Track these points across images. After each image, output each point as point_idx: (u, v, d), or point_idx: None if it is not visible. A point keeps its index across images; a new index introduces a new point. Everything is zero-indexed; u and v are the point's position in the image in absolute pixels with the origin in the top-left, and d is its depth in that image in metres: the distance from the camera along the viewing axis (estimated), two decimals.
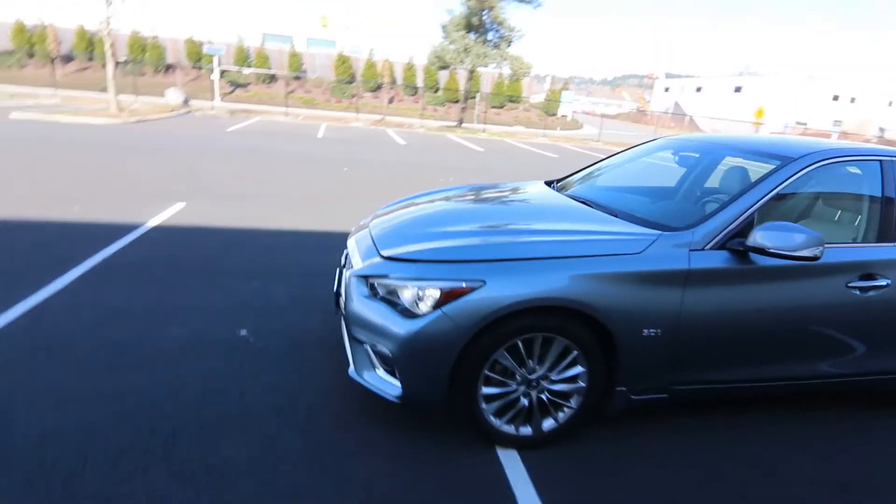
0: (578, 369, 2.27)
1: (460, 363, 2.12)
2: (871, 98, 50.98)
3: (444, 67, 21.09)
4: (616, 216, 2.65)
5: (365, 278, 2.36)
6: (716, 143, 3.49)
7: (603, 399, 2.38)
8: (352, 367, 2.39)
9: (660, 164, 3.78)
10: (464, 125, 23.06)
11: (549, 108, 34.27)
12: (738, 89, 54.37)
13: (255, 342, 3.12)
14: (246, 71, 28.25)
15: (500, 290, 2.08)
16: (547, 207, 3.01)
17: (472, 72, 21.36)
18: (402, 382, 2.20)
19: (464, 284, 2.10)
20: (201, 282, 3.93)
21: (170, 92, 20.28)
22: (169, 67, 27.24)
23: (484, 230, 2.52)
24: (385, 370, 2.28)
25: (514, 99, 33.77)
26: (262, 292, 3.85)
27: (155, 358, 2.84)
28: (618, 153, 3.97)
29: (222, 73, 26.20)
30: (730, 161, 3.15)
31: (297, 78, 28.93)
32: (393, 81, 30.41)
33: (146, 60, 26.74)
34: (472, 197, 3.34)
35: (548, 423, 2.35)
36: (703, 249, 2.30)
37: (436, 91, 30.21)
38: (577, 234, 2.43)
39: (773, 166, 2.55)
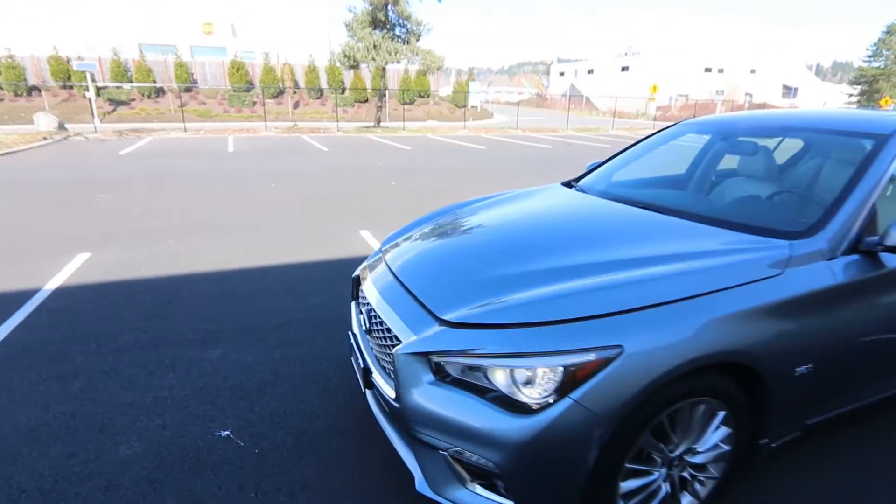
0: (724, 431, 1.75)
1: (598, 462, 1.51)
2: (737, 67, 56.26)
3: (354, 66, 20.02)
4: (703, 222, 2.16)
5: (425, 356, 1.67)
6: (766, 122, 2.99)
7: (744, 457, 1.89)
8: (421, 480, 1.69)
9: (691, 149, 3.33)
10: (382, 124, 22.17)
11: (458, 99, 34.20)
12: (625, 68, 57.91)
13: (246, 444, 2.29)
14: (127, 86, 25.22)
15: (645, 356, 1.49)
16: (609, 220, 2.43)
17: (383, 69, 20.51)
18: (516, 501, 1.55)
19: (593, 357, 1.48)
20: (141, 363, 2.96)
21: (39, 117, 17.41)
22: (33, 89, 23.62)
23: (569, 267, 1.88)
24: (482, 485, 1.61)
25: (423, 94, 33.30)
26: (230, 364, 2.97)
27: None
28: (638, 142, 3.50)
29: (99, 90, 23.19)
30: (790, 143, 2.78)
31: (189, 90, 26.37)
32: (295, 85, 28.68)
33: (2, 84, 23.00)
34: (503, 214, 2.70)
35: (687, 502, 1.82)
36: (836, 257, 1.86)
37: (342, 92, 28.92)
38: (691, 258, 1.85)
39: (868, 145, 2.17)
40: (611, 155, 3.47)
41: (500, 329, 1.60)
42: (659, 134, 3.41)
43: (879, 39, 50.50)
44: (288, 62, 28.95)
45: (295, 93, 28.41)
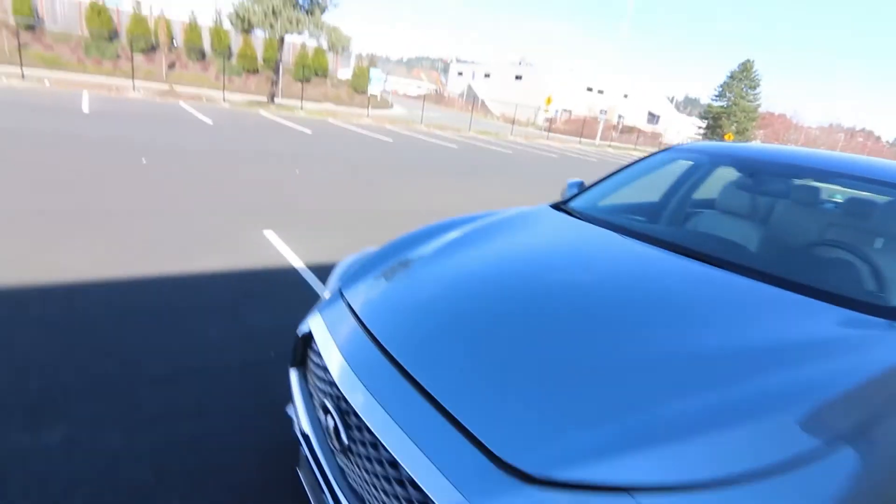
0: None
1: None
2: (613, 91, 61.53)
3: (247, 31, 17.75)
4: (771, 282, 1.67)
5: None
6: (803, 163, 2.50)
7: None
8: None
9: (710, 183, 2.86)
10: (276, 101, 20.10)
11: (358, 84, 32.68)
12: (518, 77, 60.56)
13: None
14: None
15: None
16: (677, 280, 1.76)
17: (281, 39, 18.50)
18: None
19: None
20: None
21: None
22: None
23: (686, 357, 1.23)
24: None
25: (321, 73, 31.24)
26: (80, 458, 1.89)
27: None
28: (635, 163, 2.99)
29: None
30: (836, 189, 2.41)
31: (31, 28, 21.66)
32: (172, 43, 25.04)
33: None
34: (523, 254, 1.97)
35: None
36: None
37: (229, 58, 25.88)
38: (819, 352, 1.31)
39: None
40: (604, 176, 2.93)
41: (672, 495, 0.91)
42: (656, 158, 2.95)
43: (724, 83, 58.93)
44: (164, 15, 25.18)
45: (171, 51, 24.80)
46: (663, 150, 2.97)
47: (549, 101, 36.01)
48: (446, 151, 14.79)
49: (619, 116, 50.15)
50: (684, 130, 60.16)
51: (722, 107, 59.20)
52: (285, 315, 3.14)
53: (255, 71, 26.67)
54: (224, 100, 17.72)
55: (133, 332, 2.76)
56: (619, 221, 2.32)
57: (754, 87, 59.11)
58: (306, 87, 26.58)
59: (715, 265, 1.79)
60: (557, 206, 2.63)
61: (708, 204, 2.59)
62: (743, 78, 58.60)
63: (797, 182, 2.48)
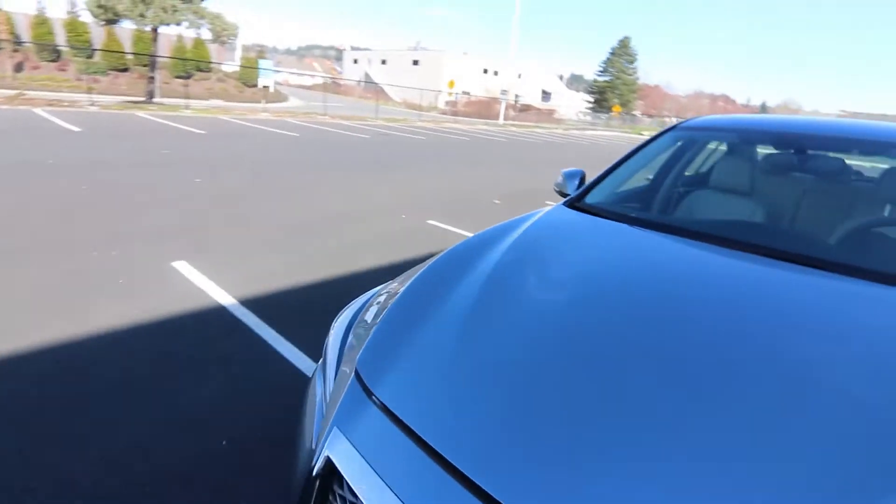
0: None
1: None
2: (508, 72, 63.10)
3: (112, 21, 15.38)
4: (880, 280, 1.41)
5: None
6: (828, 133, 2.27)
7: None
8: None
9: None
10: (155, 100, 17.82)
11: (247, 77, 30.33)
12: (415, 63, 60.19)
13: None
14: None
15: None
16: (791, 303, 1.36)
17: (155, 31, 16.30)
18: None
19: None
20: None
21: None
22: None
23: None
24: None
25: (204, 67, 28.52)
26: None
27: None
28: (643, 145, 2.61)
29: None
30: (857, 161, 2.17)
31: None
32: (16, 40, 21.39)
33: None
34: (572, 282, 1.48)
35: None
36: None
37: (90, 56, 22.63)
38: None
39: None
40: (613, 164, 2.52)
41: None
42: (664, 140, 2.59)
43: (607, 59, 62.81)
44: (3, 9, 21.40)
45: (17, 51, 21.18)
46: (668, 130, 2.62)
47: (451, 84, 35.98)
48: (359, 142, 13.93)
49: (516, 96, 51.47)
50: (575, 105, 63.22)
51: (606, 81, 63.06)
52: (227, 386, 2.41)
53: (125, 69, 23.67)
54: (91, 103, 15.34)
55: None
56: (663, 220, 1.94)
57: (632, 62, 63.51)
58: (189, 84, 23.98)
59: (801, 263, 1.50)
60: (574, 205, 2.20)
61: (743, 188, 2.25)
62: (622, 54, 62.73)
63: (831, 155, 2.22)
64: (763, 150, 2.47)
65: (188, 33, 23.13)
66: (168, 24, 15.74)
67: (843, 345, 1.15)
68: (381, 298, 1.60)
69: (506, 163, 13.03)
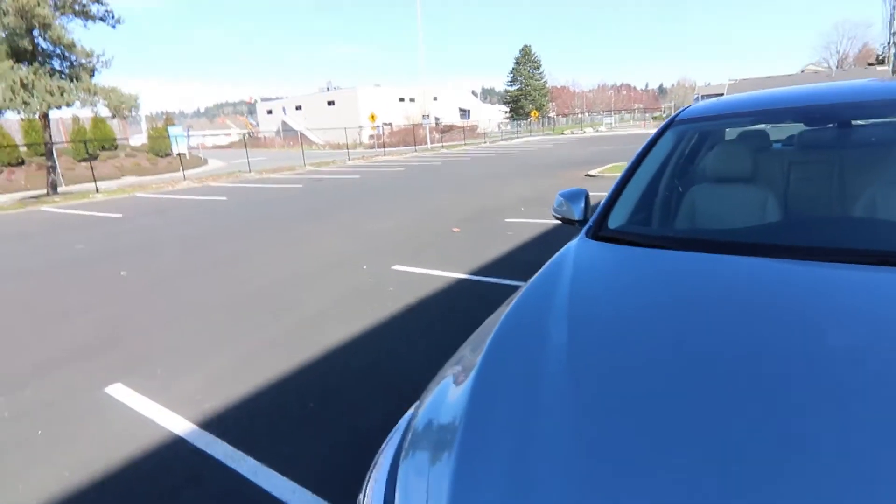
0: None
1: None
2: (423, 97, 64.12)
3: None
4: None
5: None
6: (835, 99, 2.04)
7: None
8: None
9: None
10: (60, 190, 16.28)
11: (159, 147, 28.75)
12: (331, 103, 59.99)
13: None
14: None
15: None
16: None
17: (45, 116, 14.90)
18: None
19: None
20: None
21: None
22: None
23: None
24: None
25: (109, 146, 26.81)
26: None
27: None
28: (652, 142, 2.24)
29: None
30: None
31: None
32: None
33: None
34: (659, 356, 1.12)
35: None
36: None
37: None
38: None
39: None
40: (619, 181, 2.14)
41: None
42: (664, 141, 2.25)
43: (513, 68, 65.19)
44: None
45: None
46: (665, 127, 2.28)
47: (373, 117, 35.67)
48: (294, 193, 13.22)
49: (437, 119, 52.21)
50: (493, 118, 64.91)
51: (518, 89, 65.33)
52: None
53: (20, 162, 21.70)
54: None
55: None
56: (705, 236, 1.66)
57: (538, 68, 66.21)
58: (95, 165, 22.28)
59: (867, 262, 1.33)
60: (599, 236, 1.83)
61: (773, 178, 1.94)
62: (526, 61, 65.30)
63: (855, 123, 1.96)
64: (772, 132, 2.19)
65: (84, 113, 21.61)
66: (59, 107, 14.43)
67: None
68: (425, 427, 1.12)
69: (447, 186, 12.74)
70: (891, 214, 1.65)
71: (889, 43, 37.68)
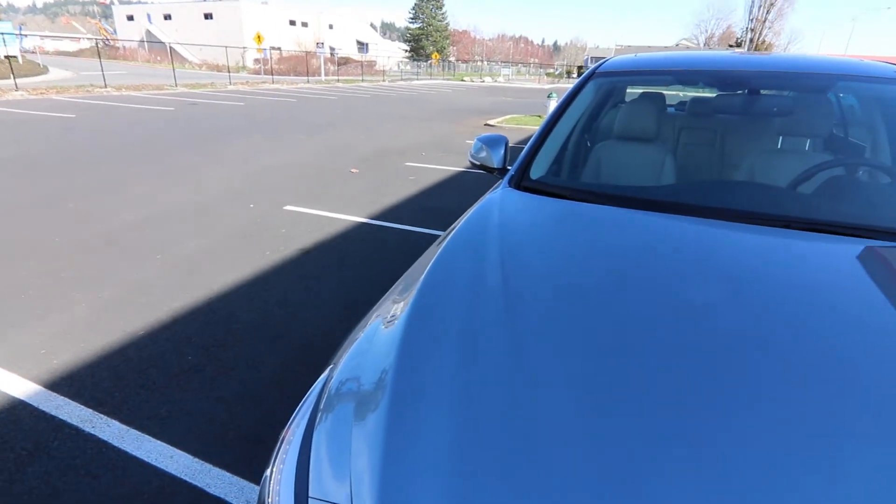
0: None
1: None
2: (318, 22, 59.29)
3: None
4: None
5: None
6: (803, 70, 2.03)
7: None
8: None
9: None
10: None
11: None
12: (208, 16, 53.13)
13: None
14: None
15: None
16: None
17: None
18: None
19: None
20: None
21: None
22: None
23: None
24: None
25: None
26: None
27: None
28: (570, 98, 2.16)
29: None
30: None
31: None
32: None
33: None
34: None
35: None
36: None
37: None
38: None
39: None
40: (540, 130, 2.05)
41: None
42: (584, 94, 2.19)
43: (415, 5, 62.55)
44: None
45: None
46: (586, 78, 2.22)
47: (259, 38, 32.08)
48: (164, 116, 11.54)
49: (333, 49, 48.72)
50: (393, 55, 62.38)
51: (419, 28, 63.12)
52: None
53: None
54: None
55: None
56: (627, 193, 1.70)
57: (441, 8, 64.21)
58: None
59: (779, 226, 1.41)
60: (521, 186, 1.77)
61: (688, 138, 1.98)
62: None
63: (768, 93, 2.05)
64: (695, 93, 2.24)
65: None
66: None
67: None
68: (344, 386, 1.00)
69: (344, 123, 12.00)
70: (770, 178, 1.77)
71: (746, 28, 42.16)
